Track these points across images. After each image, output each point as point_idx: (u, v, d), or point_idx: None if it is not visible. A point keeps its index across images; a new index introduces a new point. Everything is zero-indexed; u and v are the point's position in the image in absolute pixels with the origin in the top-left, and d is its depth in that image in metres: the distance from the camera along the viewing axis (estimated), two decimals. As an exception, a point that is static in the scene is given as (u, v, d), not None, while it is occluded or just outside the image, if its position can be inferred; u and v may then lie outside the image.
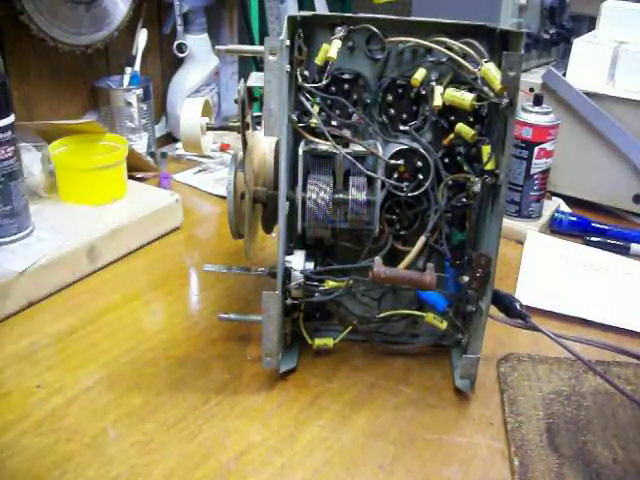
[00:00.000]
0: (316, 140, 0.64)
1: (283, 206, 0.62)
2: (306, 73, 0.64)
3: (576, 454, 0.59)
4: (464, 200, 0.66)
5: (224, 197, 1.04)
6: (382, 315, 0.71)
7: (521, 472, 0.57)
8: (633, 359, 0.66)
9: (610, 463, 0.58)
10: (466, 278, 0.65)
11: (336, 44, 0.63)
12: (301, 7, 1.52)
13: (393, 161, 0.65)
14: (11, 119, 0.79)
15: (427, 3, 1.19)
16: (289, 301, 0.66)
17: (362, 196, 0.65)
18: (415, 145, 0.65)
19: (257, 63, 1.38)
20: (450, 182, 0.66)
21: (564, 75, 1.09)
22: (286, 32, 0.58)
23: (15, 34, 0.99)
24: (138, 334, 0.75)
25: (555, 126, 0.97)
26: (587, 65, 1.07)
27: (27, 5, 0.95)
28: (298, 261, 0.66)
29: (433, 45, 0.63)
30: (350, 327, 0.71)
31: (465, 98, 0.62)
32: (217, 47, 0.68)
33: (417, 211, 0.68)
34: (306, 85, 0.64)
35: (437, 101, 0.63)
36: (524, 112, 0.97)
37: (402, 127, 0.67)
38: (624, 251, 0.97)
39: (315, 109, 0.64)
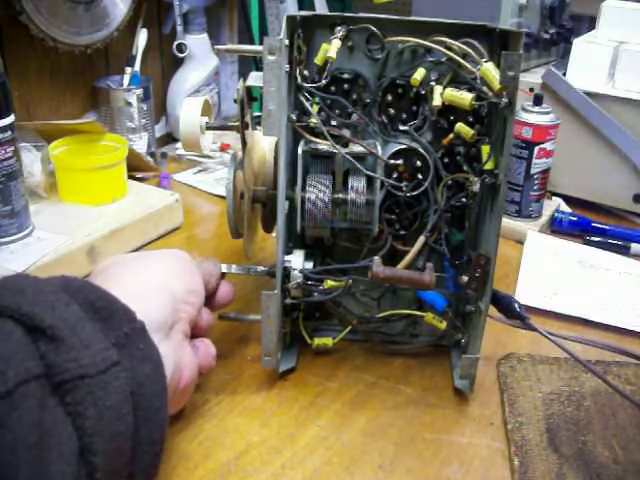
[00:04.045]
0: (315, 140, 0.64)
1: (282, 206, 0.62)
2: (305, 73, 0.64)
3: (576, 454, 0.59)
4: (463, 200, 0.66)
5: (224, 197, 1.04)
6: (381, 315, 0.71)
7: (521, 472, 0.57)
8: (633, 359, 0.66)
9: (610, 463, 0.58)
10: (465, 278, 0.65)
11: (335, 44, 0.63)
12: (301, 7, 1.52)
13: (392, 161, 0.65)
14: (11, 119, 0.79)
15: (427, 3, 1.19)
16: (288, 301, 0.66)
17: (361, 196, 0.65)
18: (414, 145, 0.65)
19: (257, 63, 1.38)
20: (449, 182, 0.66)
21: (564, 75, 1.09)
22: (285, 32, 0.58)
23: (15, 34, 0.99)
24: (138, 334, 0.75)
25: (555, 126, 0.97)
26: (587, 65, 1.07)
27: (27, 5, 0.95)
28: (297, 261, 0.65)
29: (433, 45, 0.62)
30: (350, 327, 0.71)
31: (464, 98, 0.62)
32: (217, 47, 0.68)
33: (416, 211, 0.68)
34: (305, 85, 0.64)
35: (437, 101, 0.63)
36: (524, 112, 0.97)
37: (402, 127, 0.67)
38: (624, 251, 0.97)
39: (314, 109, 0.64)
